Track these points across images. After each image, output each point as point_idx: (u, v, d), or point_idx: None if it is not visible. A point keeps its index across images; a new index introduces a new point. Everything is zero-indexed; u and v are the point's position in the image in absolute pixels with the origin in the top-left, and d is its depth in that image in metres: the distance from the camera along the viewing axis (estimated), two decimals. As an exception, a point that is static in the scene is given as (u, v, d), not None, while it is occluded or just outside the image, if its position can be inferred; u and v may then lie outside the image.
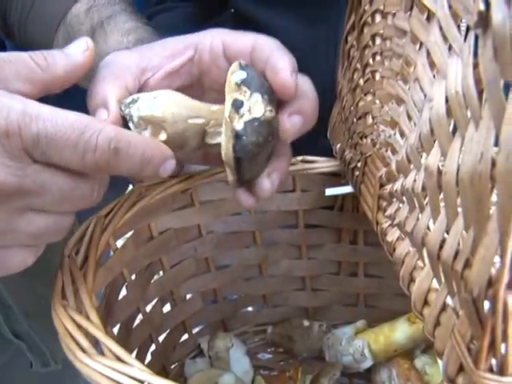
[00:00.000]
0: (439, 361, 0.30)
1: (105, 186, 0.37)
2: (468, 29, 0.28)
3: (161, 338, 0.58)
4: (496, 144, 0.24)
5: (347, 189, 0.53)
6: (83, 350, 0.34)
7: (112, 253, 0.50)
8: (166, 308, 0.59)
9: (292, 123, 0.41)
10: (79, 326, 0.36)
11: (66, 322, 0.36)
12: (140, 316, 0.55)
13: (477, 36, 0.26)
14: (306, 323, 0.65)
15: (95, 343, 0.35)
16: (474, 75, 0.27)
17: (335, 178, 0.59)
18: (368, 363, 0.58)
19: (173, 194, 0.54)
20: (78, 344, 0.35)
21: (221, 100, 0.40)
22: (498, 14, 0.23)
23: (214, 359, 0.60)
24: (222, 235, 0.61)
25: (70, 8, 0.53)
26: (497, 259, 0.24)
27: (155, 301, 0.57)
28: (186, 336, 0.62)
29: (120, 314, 0.50)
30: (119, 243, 0.51)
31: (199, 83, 0.46)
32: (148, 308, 0.56)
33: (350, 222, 0.63)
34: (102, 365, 0.33)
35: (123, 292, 0.52)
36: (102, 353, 0.34)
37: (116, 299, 0.50)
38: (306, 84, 0.43)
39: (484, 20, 0.24)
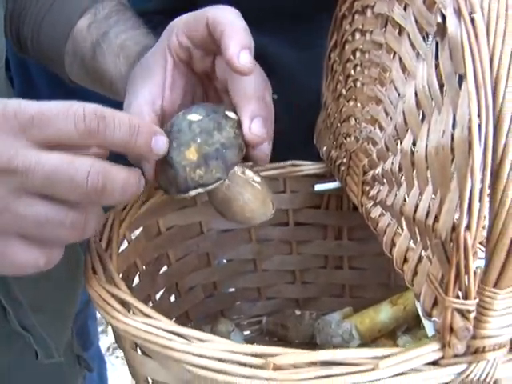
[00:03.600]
0: (417, 303, 0.37)
1: (105, 174, 0.37)
2: (429, 37, 0.35)
3: (167, 326, 0.64)
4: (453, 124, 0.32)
5: (334, 184, 0.60)
6: (118, 312, 0.40)
7: (127, 244, 0.56)
8: (172, 298, 0.66)
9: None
10: (111, 294, 0.42)
11: (99, 291, 0.43)
12: (150, 304, 0.61)
13: (437, 42, 0.34)
14: (298, 312, 0.72)
15: (127, 307, 0.41)
16: (436, 73, 0.34)
17: (322, 179, 0.66)
18: (356, 342, 0.65)
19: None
20: (113, 307, 0.41)
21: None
22: (451, 24, 0.31)
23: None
24: (220, 232, 0.68)
25: (76, 23, 0.59)
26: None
27: (162, 291, 0.63)
28: (189, 325, 0.68)
29: (135, 299, 0.56)
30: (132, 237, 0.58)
31: (193, 73, 0.51)
32: (157, 296, 0.62)
33: (335, 219, 0.70)
34: (135, 320, 0.39)
35: (136, 280, 0.58)
36: (132, 313, 0.41)
37: (131, 286, 0.56)
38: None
39: (441, 29, 0.32)
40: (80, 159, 0.36)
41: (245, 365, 0.34)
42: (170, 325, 0.38)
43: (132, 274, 0.57)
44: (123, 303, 0.41)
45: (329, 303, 0.74)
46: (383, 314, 0.65)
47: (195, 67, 0.51)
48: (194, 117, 0.45)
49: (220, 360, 0.34)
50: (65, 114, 0.35)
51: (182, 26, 0.49)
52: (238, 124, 0.46)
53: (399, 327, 0.67)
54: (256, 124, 0.46)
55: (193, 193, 0.45)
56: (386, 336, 0.67)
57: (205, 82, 0.53)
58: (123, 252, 0.54)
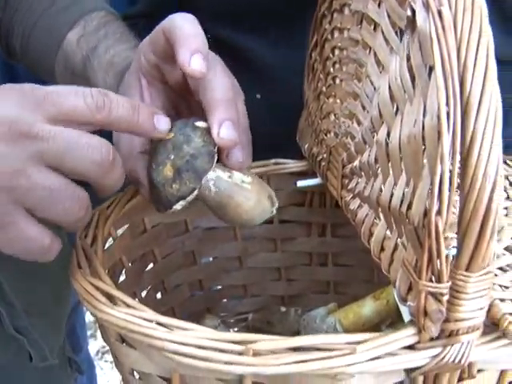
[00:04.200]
0: (393, 289, 0.38)
1: (114, 154, 0.40)
2: (402, 32, 0.37)
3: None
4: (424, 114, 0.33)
5: (315, 180, 0.61)
6: (102, 303, 0.41)
7: (112, 241, 0.57)
8: (158, 296, 0.66)
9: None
10: (96, 287, 0.43)
11: (84, 285, 0.43)
12: (136, 300, 0.61)
13: (408, 36, 0.35)
14: (283, 309, 0.72)
15: (111, 299, 0.42)
16: (407, 66, 0.35)
17: (305, 176, 0.67)
18: (340, 336, 0.66)
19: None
20: (97, 299, 0.42)
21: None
22: (420, 18, 0.32)
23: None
24: (205, 230, 0.68)
25: (66, 36, 0.60)
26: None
27: (148, 288, 0.64)
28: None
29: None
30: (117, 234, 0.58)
31: (168, 87, 0.52)
32: (143, 294, 0.63)
33: (319, 216, 0.71)
34: (119, 311, 0.40)
35: (122, 277, 0.59)
36: (117, 305, 0.41)
37: (117, 282, 0.57)
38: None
39: (411, 23, 0.34)
40: (93, 135, 0.40)
41: (225, 351, 0.35)
42: (152, 315, 0.39)
43: (117, 271, 0.57)
44: (107, 295, 0.42)
45: (314, 300, 0.75)
46: (367, 308, 0.65)
47: (169, 81, 0.51)
48: (167, 135, 0.47)
49: (201, 347, 0.35)
50: (75, 92, 0.40)
51: (146, 44, 0.50)
52: (208, 131, 0.47)
53: (383, 321, 0.68)
54: (224, 128, 0.46)
55: (178, 207, 0.48)
56: (371, 330, 0.67)
57: (186, 95, 0.52)
58: (109, 249, 0.55)
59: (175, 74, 0.50)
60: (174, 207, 0.48)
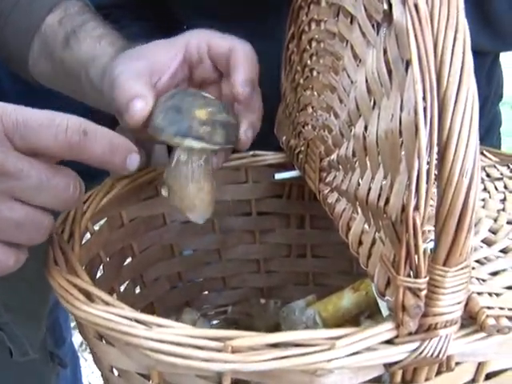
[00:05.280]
0: (372, 284, 0.38)
1: (81, 187, 0.41)
2: (378, 25, 0.36)
3: (132, 318, 0.64)
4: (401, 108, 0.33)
5: (293, 173, 0.61)
6: (79, 301, 0.40)
7: (90, 236, 0.56)
8: (137, 290, 0.66)
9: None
10: (73, 284, 0.42)
11: (61, 282, 0.43)
12: (115, 296, 0.61)
13: (385, 29, 0.35)
14: (263, 301, 0.72)
15: (88, 296, 0.42)
16: (384, 59, 0.35)
17: (283, 168, 0.67)
18: (320, 329, 0.66)
19: (140, 185, 0.61)
20: (74, 297, 0.41)
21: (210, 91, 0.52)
22: (397, 11, 0.32)
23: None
24: (183, 223, 0.68)
25: (44, 19, 0.59)
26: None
27: (127, 282, 0.63)
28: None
29: (98, 292, 0.56)
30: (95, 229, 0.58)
31: (190, 79, 0.54)
32: (122, 288, 0.62)
33: (297, 208, 0.71)
34: (96, 309, 0.39)
35: (100, 271, 0.58)
36: (94, 302, 0.41)
37: (94, 277, 0.56)
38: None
39: (388, 16, 0.33)
40: (63, 171, 0.39)
41: (203, 348, 0.35)
42: (130, 312, 0.38)
43: (96, 266, 0.57)
44: (85, 293, 0.41)
45: (293, 291, 0.75)
46: (345, 300, 0.66)
47: (194, 76, 0.55)
48: (205, 93, 0.51)
49: (179, 344, 0.35)
50: (48, 124, 0.37)
51: (206, 48, 0.52)
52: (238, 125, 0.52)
53: (362, 313, 0.69)
54: (250, 130, 0.53)
55: (188, 142, 0.47)
56: (350, 322, 0.68)
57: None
58: (86, 244, 0.54)
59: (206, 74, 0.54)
60: (186, 140, 0.47)
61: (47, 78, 0.63)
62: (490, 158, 0.61)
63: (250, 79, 0.50)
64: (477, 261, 0.41)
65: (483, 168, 0.59)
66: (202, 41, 0.52)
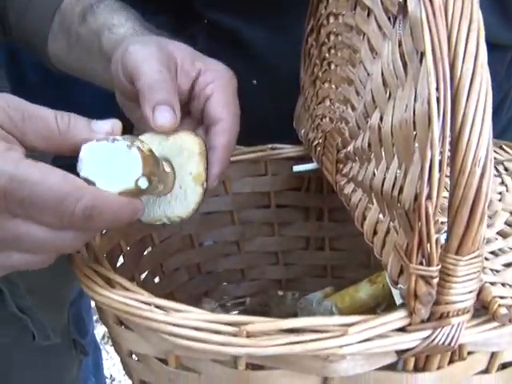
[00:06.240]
0: (386, 273, 0.38)
1: (89, 234, 0.40)
2: (394, 18, 0.37)
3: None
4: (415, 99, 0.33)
5: (311, 165, 0.62)
6: (100, 286, 0.42)
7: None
8: (156, 279, 0.67)
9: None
10: (95, 271, 0.44)
11: (83, 269, 0.44)
12: (135, 284, 0.62)
13: (400, 22, 0.35)
14: (281, 293, 0.73)
15: (108, 282, 0.43)
16: (399, 51, 0.36)
17: (301, 161, 0.68)
18: (335, 319, 0.66)
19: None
20: (95, 283, 0.42)
21: None
22: (411, 4, 0.33)
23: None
24: (203, 214, 0.69)
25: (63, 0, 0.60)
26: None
27: (147, 272, 0.65)
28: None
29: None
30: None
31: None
32: (142, 277, 0.63)
33: (316, 201, 0.72)
34: (116, 294, 0.40)
35: (121, 260, 0.59)
36: (114, 287, 0.42)
37: (115, 265, 0.57)
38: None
39: (403, 8, 0.34)
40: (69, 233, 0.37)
41: (219, 333, 0.36)
42: (149, 297, 0.39)
43: (116, 255, 0.58)
44: (105, 279, 0.43)
45: (311, 284, 0.75)
46: (363, 292, 0.66)
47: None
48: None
49: (196, 329, 0.36)
50: (55, 208, 0.35)
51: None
52: None
53: (379, 305, 0.69)
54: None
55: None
56: (366, 314, 0.68)
57: None
58: (107, 233, 0.55)
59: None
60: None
61: (62, 58, 0.62)
62: (508, 153, 0.61)
63: (221, 171, 0.47)
64: (491, 252, 0.41)
65: (501, 162, 0.59)
66: (208, 86, 0.48)
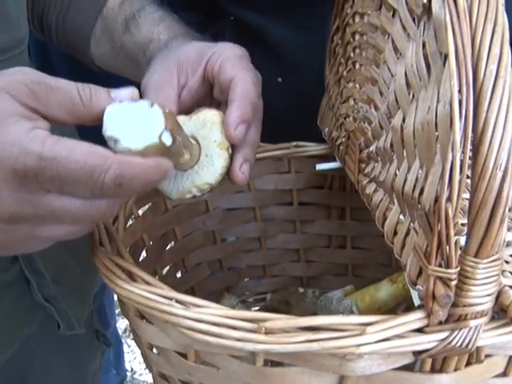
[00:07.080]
0: (405, 273, 0.38)
1: (124, 199, 0.41)
2: (419, 19, 0.37)
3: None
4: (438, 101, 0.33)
5: (334, 164, 0.62)
6: (122, 280, 0.42)
7: (134, 220, 0.58)
8: (178, 274, 0.68)
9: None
10: (117, 264, 0.44)
11: (105, 262, 0.45)
12: (157, 278, 0.63)
13: (424, 23, 0.35)
14: (301, 290, 0.73)
15: (130, 276, 0.44)
16: (423, 53, 0.36)
17: (325, 159, 0.68)
18: (354, 318, 0.66)
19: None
20: (117, 276, 0.43)
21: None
22: (436, 5, 0.32)
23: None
24: (226, 211, 0.70)
25: (106, 2, 0.61)
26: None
27: (169, 266, 0.66)
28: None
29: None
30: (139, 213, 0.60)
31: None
32: (164, 272, 0.64)
33: (338, 199, 0.72)
34: (137, 288, 0.41)
35: (143, 254, 0.60)
36: (135, 281, 0.43)
37: (138, 259, 0.58)
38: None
39: (427, 10, 0.34)
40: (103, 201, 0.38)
41: (238, 329, 0.36)
42: (169, 292, 0.40)
43: (139, 249, 0.59)
44: (127, 272, 0.43)
45: (332, 282, 0.76)
46: (383, 291, 0.66)
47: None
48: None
49: (215, 324, 0.37)
50: (85, 181, 0.36)
51: (218, 70, 0.50)
52: None
53: (399, 305, 0.69)
54: (244, 167, 0.49)
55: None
56: (387, 314, 0.68)
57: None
58: (130, 227, 0.56)
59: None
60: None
61: (108, 61, 0.64)
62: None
63: (241, 117, 0.47)
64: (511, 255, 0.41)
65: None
66: (217, 62, 0.50)
